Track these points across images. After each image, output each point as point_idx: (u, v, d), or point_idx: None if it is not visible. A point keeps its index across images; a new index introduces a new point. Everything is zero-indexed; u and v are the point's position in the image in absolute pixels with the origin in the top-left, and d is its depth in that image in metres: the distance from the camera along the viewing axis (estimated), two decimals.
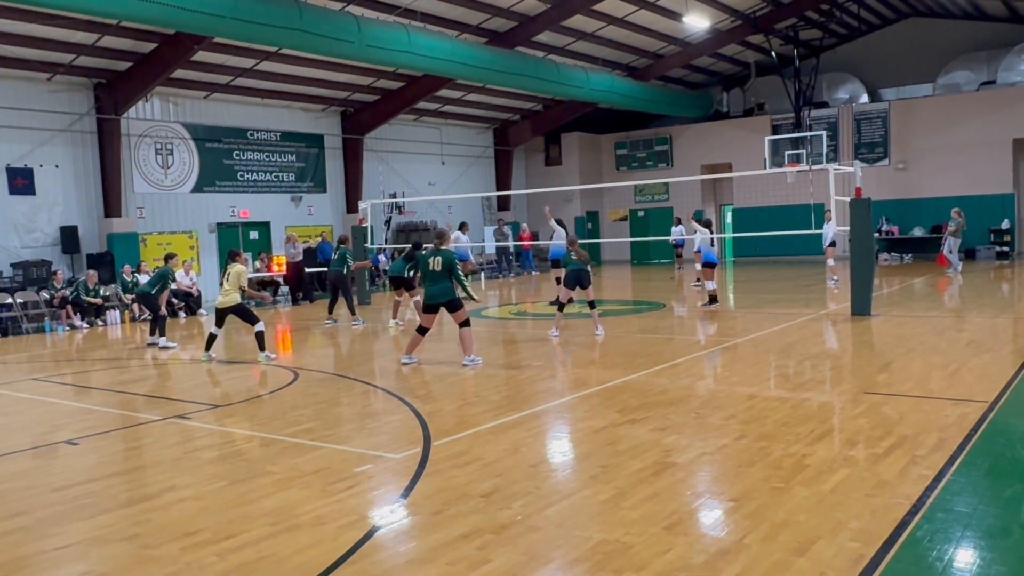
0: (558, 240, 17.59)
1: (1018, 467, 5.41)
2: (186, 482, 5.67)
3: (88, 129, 19.23)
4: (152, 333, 13.36)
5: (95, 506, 5.28)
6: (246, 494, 5.34)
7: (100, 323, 17.21)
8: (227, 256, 11.70)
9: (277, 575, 4.04)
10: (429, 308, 10.04)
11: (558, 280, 17.55)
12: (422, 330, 10.28)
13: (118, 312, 17.65)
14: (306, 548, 4.37)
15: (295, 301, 20.27)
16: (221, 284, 11.36)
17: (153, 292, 13.24)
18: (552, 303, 16.04)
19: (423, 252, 10.55)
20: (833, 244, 18.49)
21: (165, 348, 12.81)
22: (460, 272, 10.01)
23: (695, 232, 16.64)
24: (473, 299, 10.69)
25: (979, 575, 3.81)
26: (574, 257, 12.10)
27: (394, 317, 14.68)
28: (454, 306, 9.92)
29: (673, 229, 24.57)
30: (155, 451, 6.79)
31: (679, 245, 25.14)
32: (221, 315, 11.36)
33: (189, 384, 10.16)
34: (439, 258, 9.91)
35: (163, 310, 13.43)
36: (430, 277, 9.92)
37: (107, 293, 17.78)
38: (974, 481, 5.09)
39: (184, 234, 21.39)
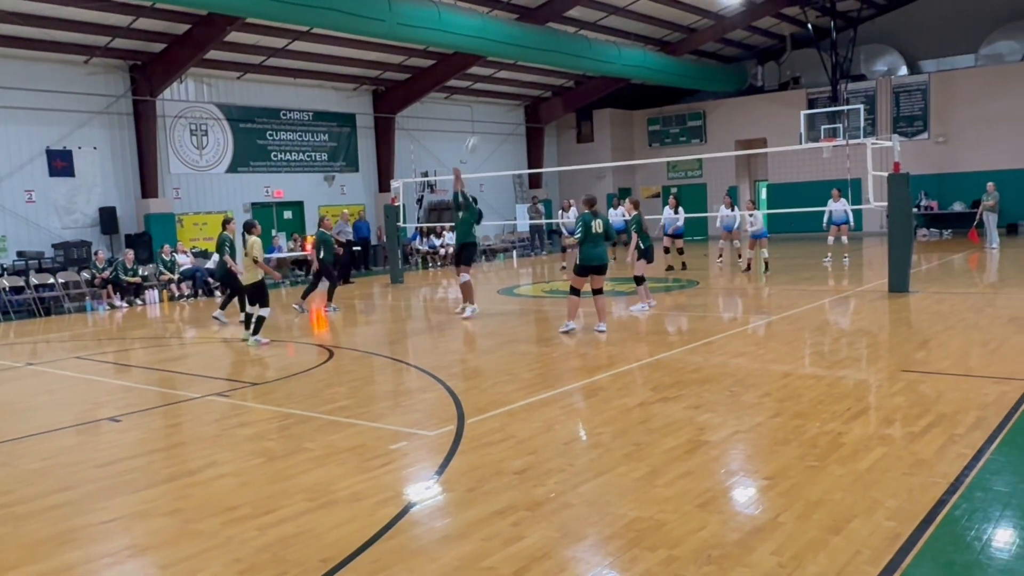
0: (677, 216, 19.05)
1: None
2: (225, 458, 5.78)
3: (124, 111, 19.48)
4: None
5: (138, 481, 5.41)
6: (284, 470, 5.43)
7: (139, 302, 17.51)
8: (243, 227, 11.19)
9: (315, 549, 4.12)
10: (586, 270, 10.26)
11: (667, 250, 18.86)
12: (577, 292, 10.44)
13: (156, 291, 17.94)
14: (343, 523, 4.44)
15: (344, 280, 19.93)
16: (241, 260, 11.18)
17: (227, 267, 13.04)
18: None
19: (589, 214, 10.19)
20: (847, 223, 17.85)
21: (218, 323, 12.53)
22: (615, 233, 10.20)
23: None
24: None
25: (1018, 555, 3.77)
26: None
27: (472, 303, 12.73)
28: (605, 269, 10.35)
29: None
30: (195, 428, 6.93)
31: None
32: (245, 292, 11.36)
33: (226, 362, 10.33)
34: (599, 221, 10.20)
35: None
36: (592, 240, 10.15)
37: (145, 273, 18.07)
38: (1014, 460, 5.02)
39: (219, 214, 21.59)
